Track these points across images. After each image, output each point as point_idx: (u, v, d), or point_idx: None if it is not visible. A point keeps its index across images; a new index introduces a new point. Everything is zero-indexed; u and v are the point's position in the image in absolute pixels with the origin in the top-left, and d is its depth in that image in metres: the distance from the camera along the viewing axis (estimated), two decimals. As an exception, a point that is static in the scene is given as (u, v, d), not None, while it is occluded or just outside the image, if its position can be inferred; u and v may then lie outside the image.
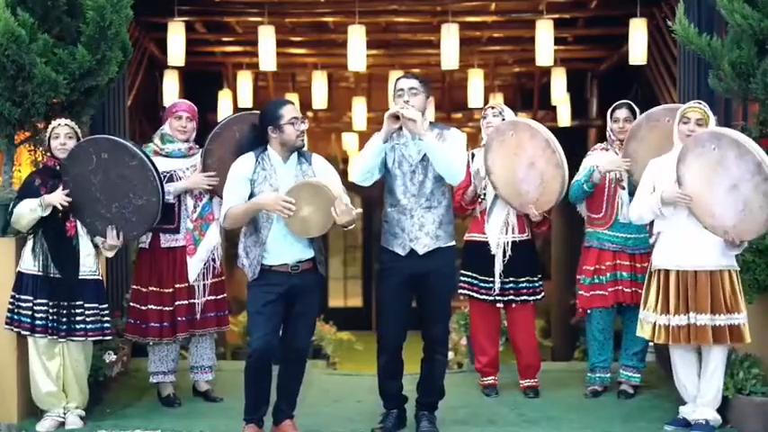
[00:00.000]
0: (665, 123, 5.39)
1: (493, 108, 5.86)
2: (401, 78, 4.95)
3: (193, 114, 5.66)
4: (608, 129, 5.81)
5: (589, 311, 5.78)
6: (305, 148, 4.89)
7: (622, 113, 5.72)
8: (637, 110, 5.73)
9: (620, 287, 5.66)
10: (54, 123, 5.20)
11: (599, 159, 5.67)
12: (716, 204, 4.77)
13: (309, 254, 4.80)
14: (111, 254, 5.35)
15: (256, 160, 4.77)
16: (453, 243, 4.98)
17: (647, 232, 5.49)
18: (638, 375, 5.83)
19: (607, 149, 5.77)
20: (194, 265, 5.56)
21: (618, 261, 5.67)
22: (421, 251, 4.84)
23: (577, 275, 5.82)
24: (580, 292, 5.77)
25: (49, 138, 5.19)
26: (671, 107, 5.57)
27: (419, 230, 4.84)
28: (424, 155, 4.84)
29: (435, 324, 4.98)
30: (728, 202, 4.72)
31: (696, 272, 4.88)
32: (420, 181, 4.85)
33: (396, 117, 4.73)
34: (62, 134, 5.16)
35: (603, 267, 5.69)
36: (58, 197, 5.05)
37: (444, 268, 4.94)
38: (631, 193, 5.53)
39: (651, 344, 6.37)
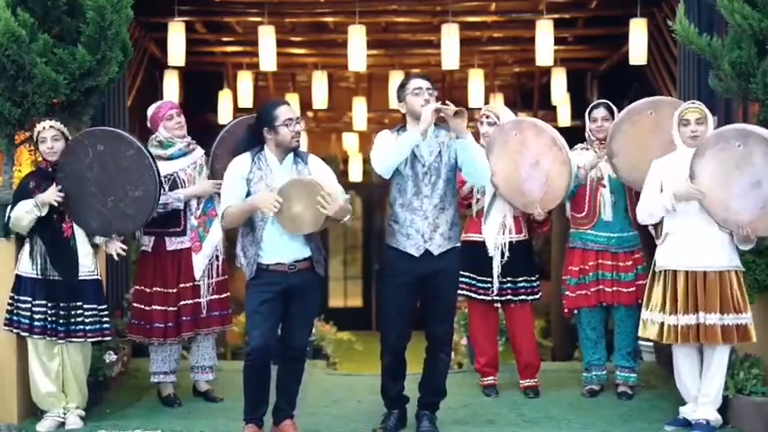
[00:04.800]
0: (647, 116, 5.45)
1: (488, 117, 5.84)
2: (415, 78, 4.92)
3: (178, 107, 5.69)
4: (587, 129, 5.85)
5: (576, 311, 5.83)
6: (302, 149, 4.89)
7: (600, 113, 5.76)
8: (615, 109, 5.78)
9: (601, 287, 5.70)
10: (39, 127, 5.13)
11: (580, 159, 5.71)
12: (733, 198, 4.82)
13: (306, 253, 4.79)
14: (115, 253, 5.31)
15: (252, 160, 4.77)
16: (459, 244, 5.00)
17: (632, 231, 5.66)
18: (634, 375, 5.84)
19: (587, 149, 5.81)
20: (200, 262, 5.57)
21: (600, 261, 5.71)
22: (436, 252, 4.84)
23: (563, 276, 5.86)
24: (566, 293, 5.81)
25: (37, 141, 5.15)
26: (652, 100, 5.62)
27: (434, 231, 4.84)
28: (437, 156, 4.84)
29: (440, 323, 4.98)
30: (750, 197, 4.79)
31: (705, 272, 4.92)
32: (433, 182, 4.85)
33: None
34: (48, 137, 5.11)
35: (587, 267, 5.73)
36: (51, 194, 5.02)
37: (451, 268, 4.95)
38: (613, 192, 5.65)
39: (651, 344, 6.40)
